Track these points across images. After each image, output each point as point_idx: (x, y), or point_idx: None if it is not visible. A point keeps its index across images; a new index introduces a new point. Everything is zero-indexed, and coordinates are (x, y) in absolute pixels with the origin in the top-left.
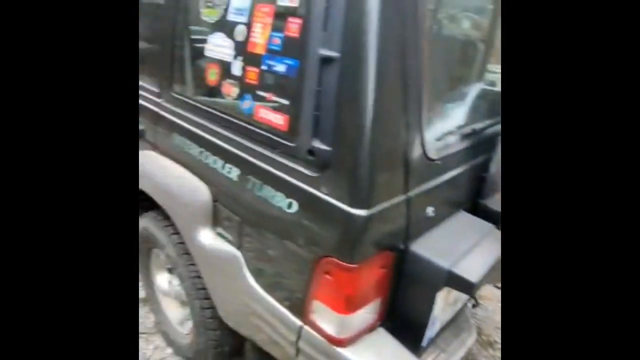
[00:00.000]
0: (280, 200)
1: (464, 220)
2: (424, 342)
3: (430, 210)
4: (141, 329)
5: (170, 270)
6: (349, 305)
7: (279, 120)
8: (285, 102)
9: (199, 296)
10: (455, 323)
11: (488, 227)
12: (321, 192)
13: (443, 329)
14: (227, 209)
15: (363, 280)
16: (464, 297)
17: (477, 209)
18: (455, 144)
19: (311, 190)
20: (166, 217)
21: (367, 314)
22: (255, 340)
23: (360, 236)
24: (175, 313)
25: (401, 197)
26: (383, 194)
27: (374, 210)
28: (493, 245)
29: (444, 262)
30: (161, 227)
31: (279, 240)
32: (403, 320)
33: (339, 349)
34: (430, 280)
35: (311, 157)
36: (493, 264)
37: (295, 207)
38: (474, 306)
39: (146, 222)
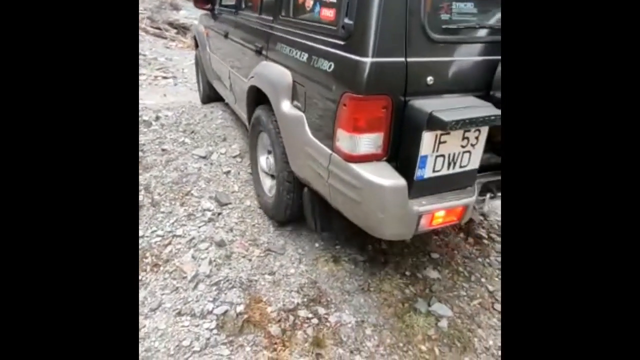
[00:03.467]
0: (325, 64)
1: (467, 99)
2: (416, 176)
3: (429, 79)
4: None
5: (268, 152)
6: (357, 126)
7: (331, 14)
8: (335, 1)
9: (282, 158)
10: (458, 188)
11: (487, 104)
12: (346, 52)
13: (441, 185)
14: (299, 84)
15: (367, 110)
16: (462, 161)
17: (488, 99)
18: (464, 37)
19: (340, 53)
20: (271, 108)
21: (371, 142)
22: (308, 181)
23: (365, 75)
24: (267, 184)
25: (400, 59)
26: (384, 53)
27: (375, 60)
28: (482, 110)
29: (428, 108)
30: (267, 114)
31: (322, 92)
32: (401, 158)
33: (350, 164)
34: (418, 121)
35: (343, 30)
36: (474, 117)
37: (332, 66)
38: (491, 197)
39: (259, 112)
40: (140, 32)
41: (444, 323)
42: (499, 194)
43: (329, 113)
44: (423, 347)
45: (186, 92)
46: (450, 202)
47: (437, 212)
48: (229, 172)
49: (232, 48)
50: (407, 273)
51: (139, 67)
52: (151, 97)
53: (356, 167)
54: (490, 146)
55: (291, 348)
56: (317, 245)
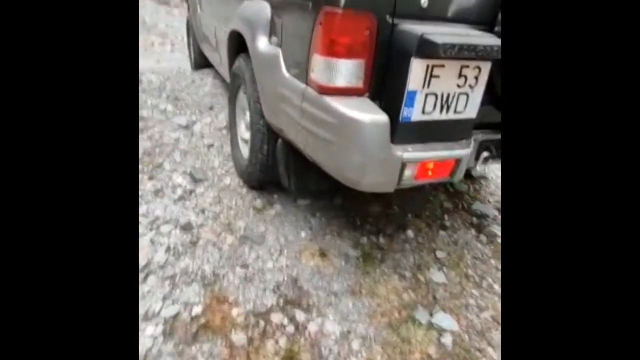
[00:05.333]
0: None
1: (467, 30)
2: (401, 117)
3: (423, 1)
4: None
5: (244, 112)
6: (333, 49)
7: None
8: None
9: (256, 107)
10: (450, 139)
11: (490, 35)
12: None
13: (431, 133)
14: (277, 17)
15: (347, 29)
16: (457, 106)
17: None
18: None
19: None
20: (249, 57)
21: (350, 71)
22: (281, 129)
23: None
24: (244, 150)
25: None
26: None
27: None
28: (484, 39)
29: (419, 31)
30: (246, 62)
31: (298, 15)
32: (385, 95)
33: (324, 96)
34: (406, 47)
35: None
36: (474, 44)
37: None
38: (488, 158)
39: (238, 61)
40: (143, 0)
41: (447, 339)
42: (498, 155)
43: (304, 39)
44: None
45: (182, 59)
46: (440, 152)
47: (425, 162)
48: (211, 145)
49: None
50: (407, 274)
51: None
52: (143, 62)
53: (330, 100)
54: (490, 97)
55: None
56: (303, 234)
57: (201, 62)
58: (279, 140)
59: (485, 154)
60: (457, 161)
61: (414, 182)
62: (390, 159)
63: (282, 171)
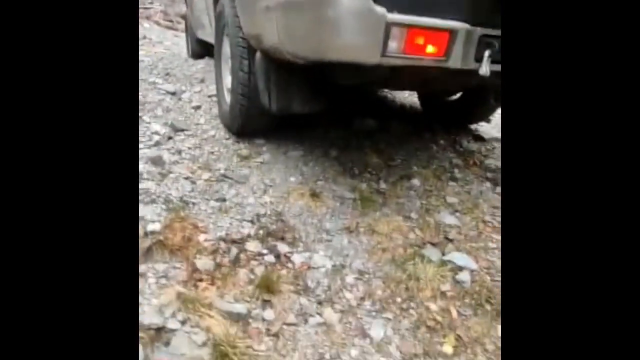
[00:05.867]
0: None
1: None
2: None
3: None
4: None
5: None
6: None
7: None
8: None
9: (234, 24)
10: (441, 14)
11: None
12: None
13: (418, 3)
14: None
15: None
16: None
17: None
18: None
19: None
20: None
21: None
22: (260, 34)
23: None
24: (227, 98)
25: None
26: None
27: None
28: None
29: None
30: None
31: None
32: None
33: None
34: None
35: None
36: None
37: None
38: (491, 56)
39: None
40: (152, 25)
41: (465, 276)
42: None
43: None
44: (433, 306)
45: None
46: (431, 19)
47: (413, 30)
48: (198, 107)
49: None
50: (414, 216)
51: (141, 47)
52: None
53: None
54: None
55: (223, 288)
56: (292, 179)
57: (198, 52)
58: (257, 55)
59: (488, 52)
60: (452, 34)
61: (402, 57)
62: (371, 15)
63: (262, 87)
